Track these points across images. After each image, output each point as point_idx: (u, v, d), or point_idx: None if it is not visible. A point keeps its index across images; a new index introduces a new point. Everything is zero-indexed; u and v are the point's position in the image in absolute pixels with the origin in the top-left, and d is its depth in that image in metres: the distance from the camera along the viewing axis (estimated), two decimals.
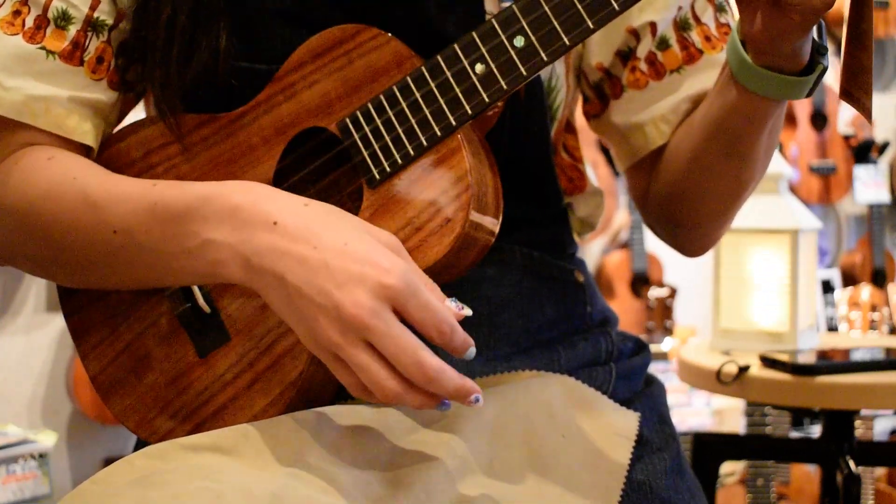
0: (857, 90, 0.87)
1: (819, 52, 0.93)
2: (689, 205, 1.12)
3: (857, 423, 2.07)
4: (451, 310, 0.83)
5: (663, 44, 1.10)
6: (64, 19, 0.99)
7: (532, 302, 1.05)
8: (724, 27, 1.11)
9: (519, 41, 0.89)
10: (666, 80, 1.10)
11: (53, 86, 0.98)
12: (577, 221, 1.19)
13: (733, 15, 1.12)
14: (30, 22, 0.98)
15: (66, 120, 0.99)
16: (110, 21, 1.01)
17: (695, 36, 1.10)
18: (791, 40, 0.90)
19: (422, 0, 0.99)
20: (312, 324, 0.83)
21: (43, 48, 0.98)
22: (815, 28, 0.92)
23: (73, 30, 0.99)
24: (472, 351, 0.83)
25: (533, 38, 0.89)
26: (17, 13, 0.98)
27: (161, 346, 0.98)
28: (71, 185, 0.95)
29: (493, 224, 0.93)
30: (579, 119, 1.19)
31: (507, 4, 0.94)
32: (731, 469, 3.11)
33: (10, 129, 0.99)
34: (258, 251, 0.85)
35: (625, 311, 3.50)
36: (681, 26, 1.10)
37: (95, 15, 1.00)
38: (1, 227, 1.00)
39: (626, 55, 1.11)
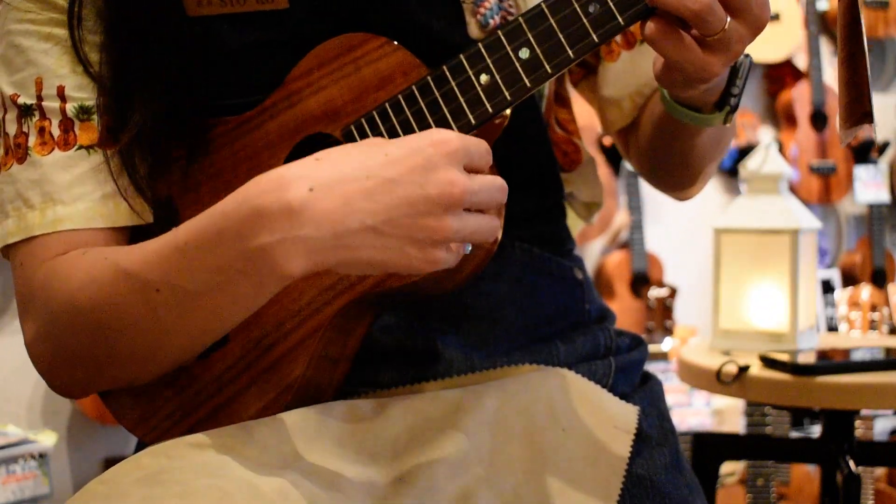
0: (868, 104, 0.87)
1: (731, 92, 0.99)
2: (664, 173, 1.19)
3: (857, 423, 2.07)
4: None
5: None
6: (85, 112, 0.98)
7: (531, 298, 1.06)
8: None
9: (524, 53, 0.90)
10: (636, 49, 1.14)
11: (111, 182, 0.97)
12: (582, 207, 1.20)
13: None
14: (56, 130, 0.97)
15: (135, 208, 0.98)
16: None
17: None
18: (687, 90, 0.96)
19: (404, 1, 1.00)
20: (420, 235, 0.81)
21: (80, 147, 0.97)
22: (731, 73, 0.98)
23: (97, 119, 0.98)
24: None
25: (538, 51, 0.90)
26: (42, 131, 0.97)
27: None
28: (104, 264, 0.91)
29: None
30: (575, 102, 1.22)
31: None
32: (731, 469, 3.12)
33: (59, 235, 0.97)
34: (315, 223, 0.80)
35: (625, 311, 3.50)
36: None
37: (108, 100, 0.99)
38: (51, 337, 0.96)
39: None
